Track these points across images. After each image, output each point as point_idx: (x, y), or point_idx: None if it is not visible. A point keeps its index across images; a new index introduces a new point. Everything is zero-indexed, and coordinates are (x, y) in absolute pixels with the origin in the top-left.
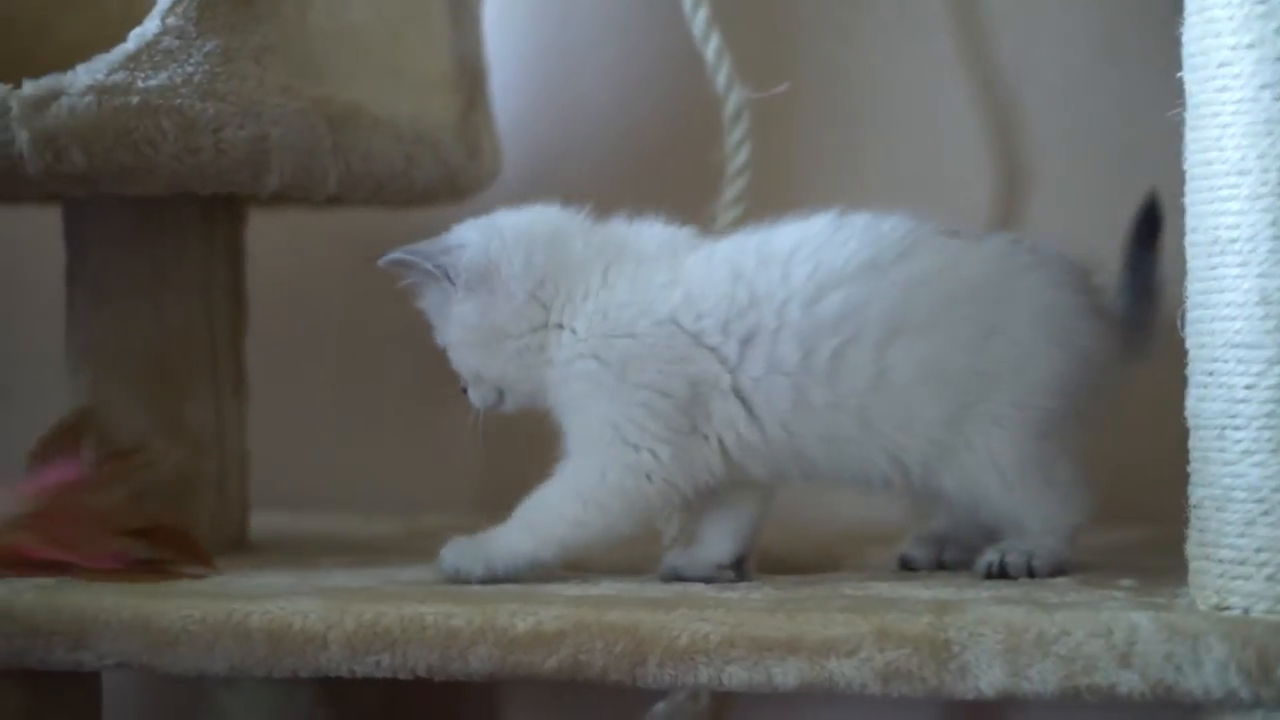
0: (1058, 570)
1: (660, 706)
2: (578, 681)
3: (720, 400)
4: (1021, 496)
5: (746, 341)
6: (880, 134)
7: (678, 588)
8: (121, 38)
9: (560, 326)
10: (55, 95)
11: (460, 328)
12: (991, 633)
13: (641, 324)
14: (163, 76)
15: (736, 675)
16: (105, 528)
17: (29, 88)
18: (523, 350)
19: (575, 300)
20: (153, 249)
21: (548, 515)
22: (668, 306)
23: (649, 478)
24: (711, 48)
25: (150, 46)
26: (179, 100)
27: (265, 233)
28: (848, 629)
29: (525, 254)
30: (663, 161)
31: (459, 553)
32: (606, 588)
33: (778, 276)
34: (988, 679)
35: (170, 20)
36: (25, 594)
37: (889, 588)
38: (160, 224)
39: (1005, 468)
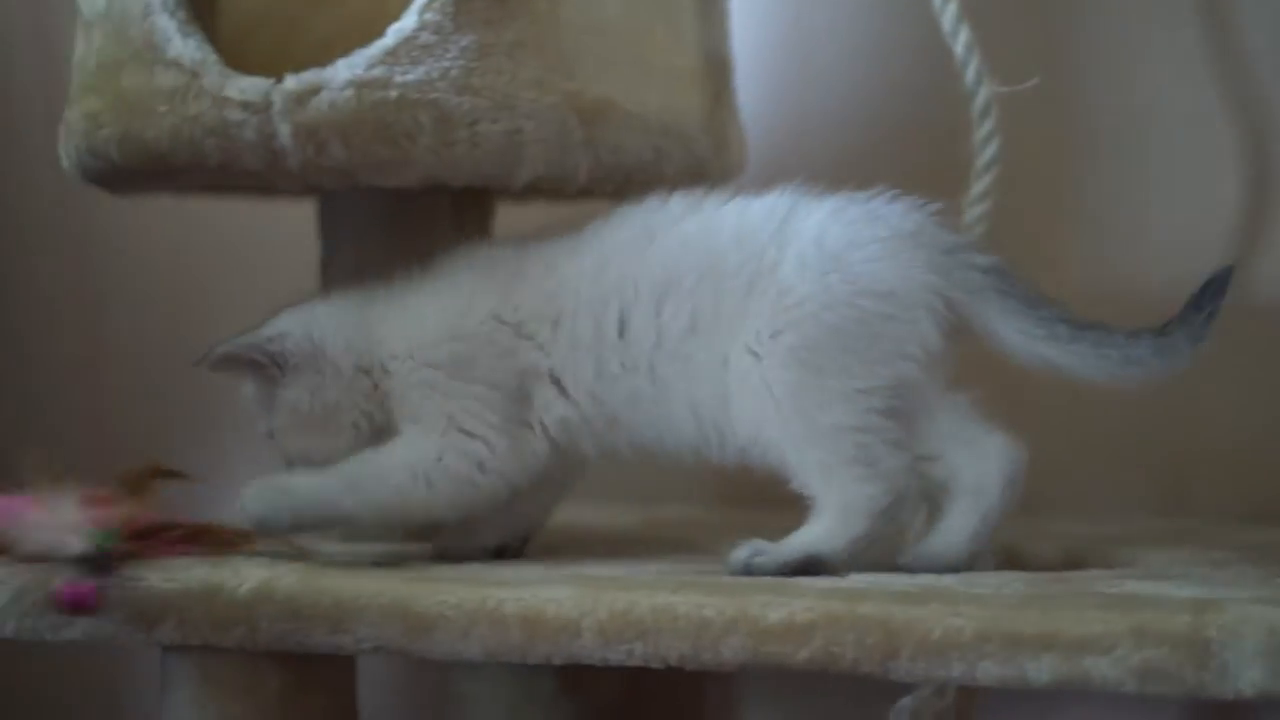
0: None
1: (906, 701)
2: (828, 674)
3: (540, 386)
4: (803, 436)
5: (555, 325)
6: (1126, 129)
7: (927, 581)
8: (371, 34)
9: (385, 369)
10: (316, 89)
11: (290, 412)
12: (1252, 632)
13: (466, 324)
14: (420, 71)
15: (990, 670)
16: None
17: (291, 82)
18: (360, 417)
19: (386, 340)
20: (405, 240)
21: (374, 479)
22: (487, 304)
23: (481, 467)
24: (961, 41)
25: (408, 42)
26: (435, 94)
27: (511, 224)
28: (1104, 626)
29: (343, 331)
30: (905, 154)
31: (264, 500)
32: (857, 580)
33: (577, 260)
34: (1248, 679)
35: (428, 16)
36: (286, 578)
37: (1142, 585)
38: (413, 216)
39: (780, 399)
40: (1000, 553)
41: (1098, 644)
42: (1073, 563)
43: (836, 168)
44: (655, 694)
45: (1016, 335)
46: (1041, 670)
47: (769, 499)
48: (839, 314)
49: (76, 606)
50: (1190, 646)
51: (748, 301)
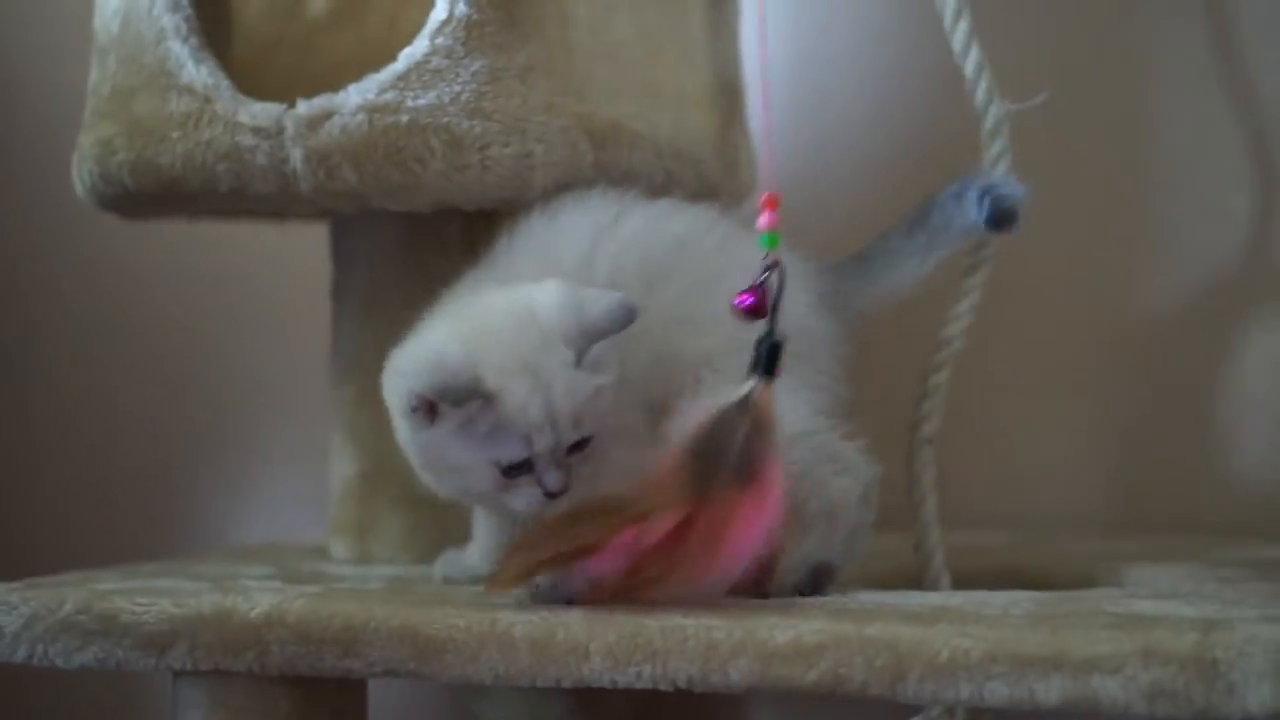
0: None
1: None
2: (836, 695)
3: None
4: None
5: None
6: (1138, 144)
7: (935, 601)
8: (384, 58)
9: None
10: (328, 114)
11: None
12: (1261, 652)
13: None
14: (431, 95)
15: (998, 691)
16: None
17: (303, 107)
18: None
19: None
20: (418, 264)
21: None
22: None
23: None
24: (971, 61)
25: (419, 66)
26: (447, 119)
27: None
28: (1112, 646)
29: None
30: (919, 174)
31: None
32: (865, 600)
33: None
34: (1256, 699)
35: (439, 40)
36: (297, 601)
37: (1151, 605)
38: (425, 239)
39: None
40: (1011, 571)
41: (1106, 664)
42: (1083, 581)
43: (851, 189)
44: (666, 713)
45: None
46: (1050, 691)
47: None
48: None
49: None
50: (1198, 666)
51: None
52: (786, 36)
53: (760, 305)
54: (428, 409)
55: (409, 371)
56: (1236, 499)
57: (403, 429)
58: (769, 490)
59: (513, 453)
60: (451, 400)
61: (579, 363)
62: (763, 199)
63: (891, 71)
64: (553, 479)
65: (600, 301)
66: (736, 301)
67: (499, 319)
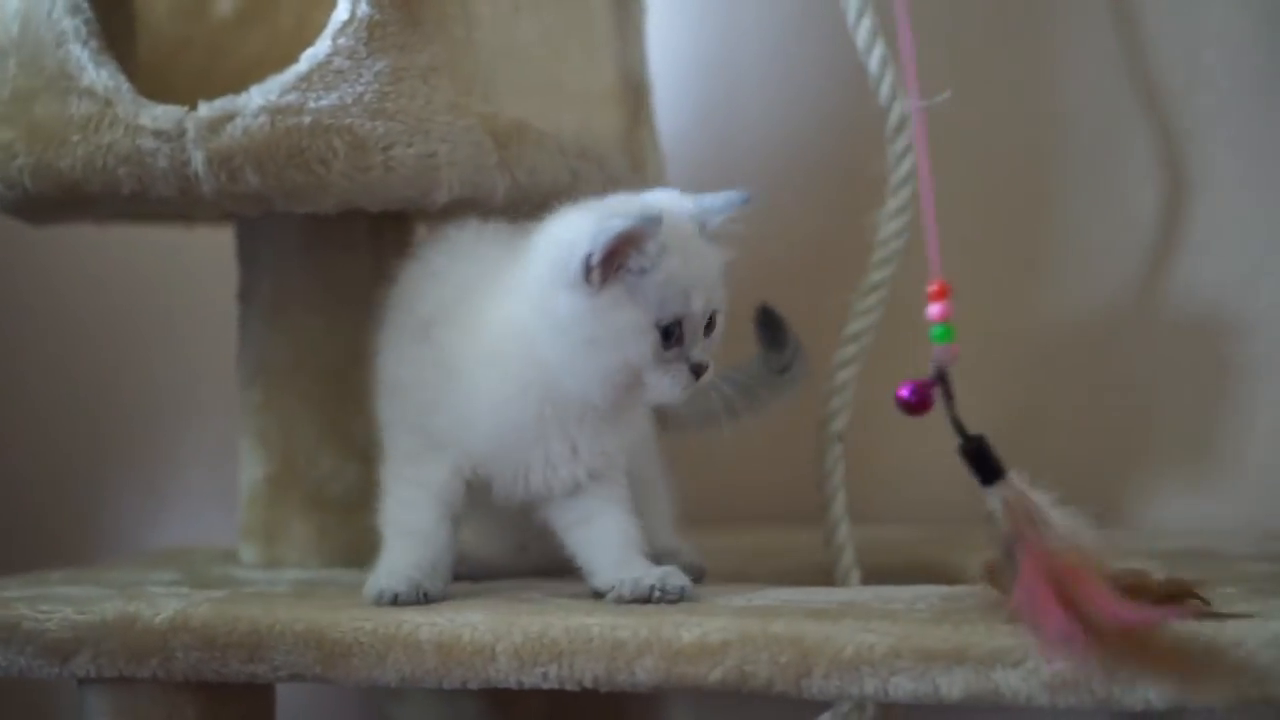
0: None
1: (825, 717)
2: (742, 692)
3: None
4: None
5: None
6: (1045, 142)
7: (842, 597)
8: (293, 58)
9: None
10: (230, 117)
11: None
12: None
13: None
14: (334, 96)
15: (902, 686)
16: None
17: (204, 109)
18: None
19: None
20: (323, 266)
21: None
22: None
23: None
24: (875, 57)
25: (322, 67)
26: (349, 119)
27: None
28: (1014, 639)
29: None
30: (825, 172)
31: None
32: (771, 598)
33: None
34: (1158, 690)
35: (341, 41)
36: (201, 607)
37: None
38: (330, 241)
39: None
40: (923, 566)
41: (1008, 657)
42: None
43: (759, 184)
44: (580, 712)
45: None
46: (953, 685)
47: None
48: None
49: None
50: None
51: None
52: (694, 38)
53: (920, 403)
54: (602, 267)
55: (580, 239)
56: (1146, 490)
57: (563, 306)
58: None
59: (675, 307)
60: (636, 240)
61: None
62: (932, 288)
63: (799, 71)
64: (699, 351)
65: (713, 195)
66: (898, 391)
67: (628, 205)
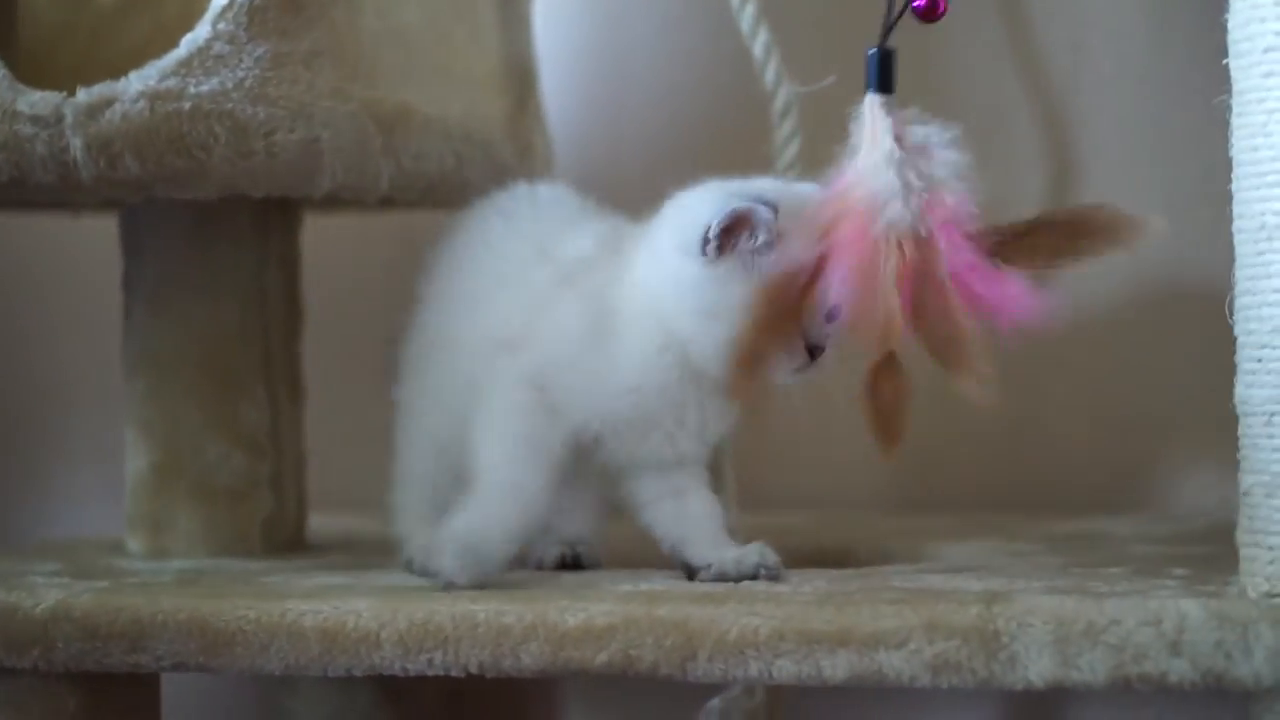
0: None
1: (715, 702)
2: (629, 676)
3: None
4: None
5: None
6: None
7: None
8: (177, 43)
9: None
10: (108, 102)
11: None
12: (1040, 623)
13: None
14: (214, 81)
15: (786, 669)
16: None
17: (82, 95)
18: None
19: None
20: (207, 254)
21: None
22: None
23: None
24: (759, 43)
25: (202, 52)
26: (230, 105)
27: (321, 235)
28: (897, 621)
29: None
30: (714, 158)
31: None
32: (657, 583)
33: None
34: (1037, 669)
35: (221, 26)
36: (83, 596)
37: (941, 580)
38: (215, 229)
39: None
40: (813, 550)
41: (891, 639)
42: (882, 559)
43: (647, 171)
44: (476, 700)
45: None
46: (837, 667)
47: None
48: None
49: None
50: (980, 638)
51: None
52: (580, 25)
53: (931, 6)
54: (719, 240)
55: (705, 210)
56: (1037, 476)
57: (683, 271)
58: None
59: None
60: (762, 214)
61: None
62: None
63: (685, 57)
64: (818, 332)
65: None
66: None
67: (760, 189)
